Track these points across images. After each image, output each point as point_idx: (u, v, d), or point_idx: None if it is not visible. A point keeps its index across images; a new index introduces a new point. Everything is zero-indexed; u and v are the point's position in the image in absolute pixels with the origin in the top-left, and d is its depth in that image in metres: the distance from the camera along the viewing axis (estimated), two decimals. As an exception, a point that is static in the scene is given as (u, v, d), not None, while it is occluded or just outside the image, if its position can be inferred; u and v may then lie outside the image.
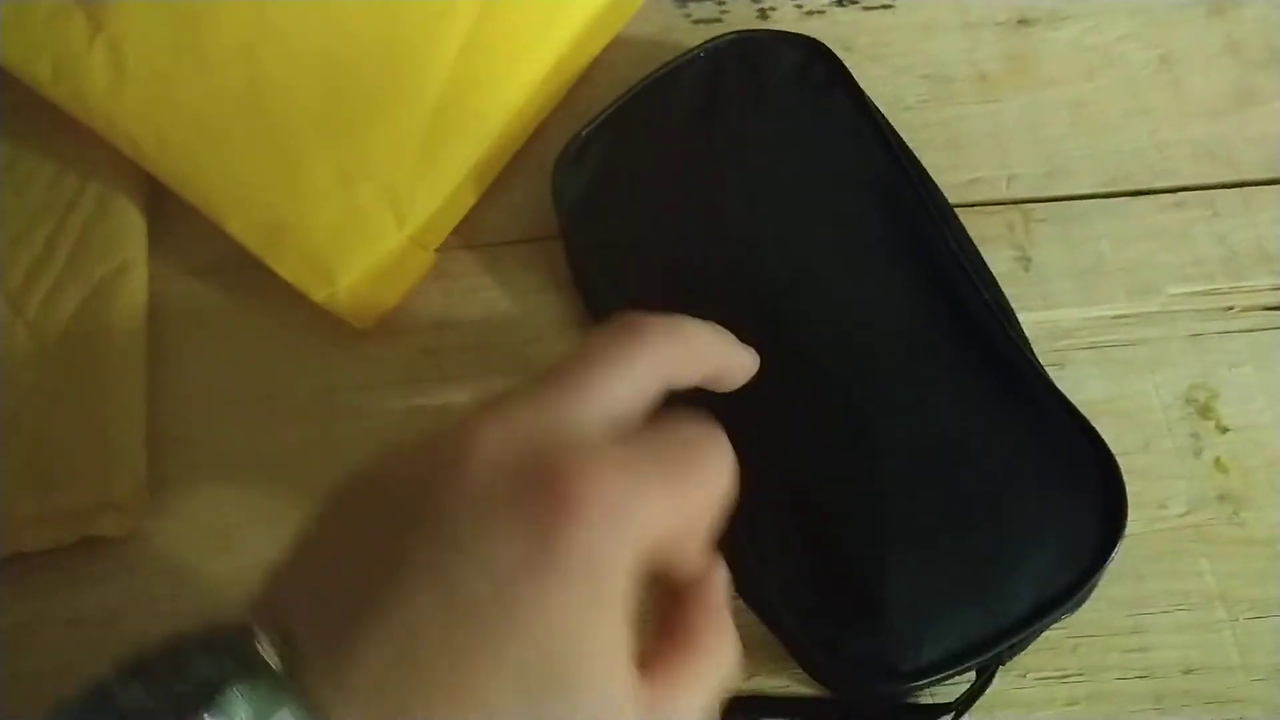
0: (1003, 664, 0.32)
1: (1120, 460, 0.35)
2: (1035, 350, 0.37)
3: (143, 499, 0.35)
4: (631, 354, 0.24)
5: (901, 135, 0.38)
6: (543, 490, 0.21)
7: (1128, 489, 0.34)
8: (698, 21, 0.42)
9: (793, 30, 0.39)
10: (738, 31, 0.39)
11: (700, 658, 0.24)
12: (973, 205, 0.39)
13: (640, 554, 0.22)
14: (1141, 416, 0.36)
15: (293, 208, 0.36)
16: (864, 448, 0.33)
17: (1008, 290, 0.37)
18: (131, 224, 0.37)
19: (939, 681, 0.31)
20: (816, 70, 0.39)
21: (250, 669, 0.20)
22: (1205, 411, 0.36)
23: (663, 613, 0.24)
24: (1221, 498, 0.35)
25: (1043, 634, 0.32)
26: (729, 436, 0.24)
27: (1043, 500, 0.32)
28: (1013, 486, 0.32)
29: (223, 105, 0.36)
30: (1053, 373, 0.36)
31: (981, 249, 0.38)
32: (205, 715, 0.19)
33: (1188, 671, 0.33)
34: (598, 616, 0.21)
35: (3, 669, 0.33)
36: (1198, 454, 0.36)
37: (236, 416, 0.37)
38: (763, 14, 0.42)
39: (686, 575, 0.25)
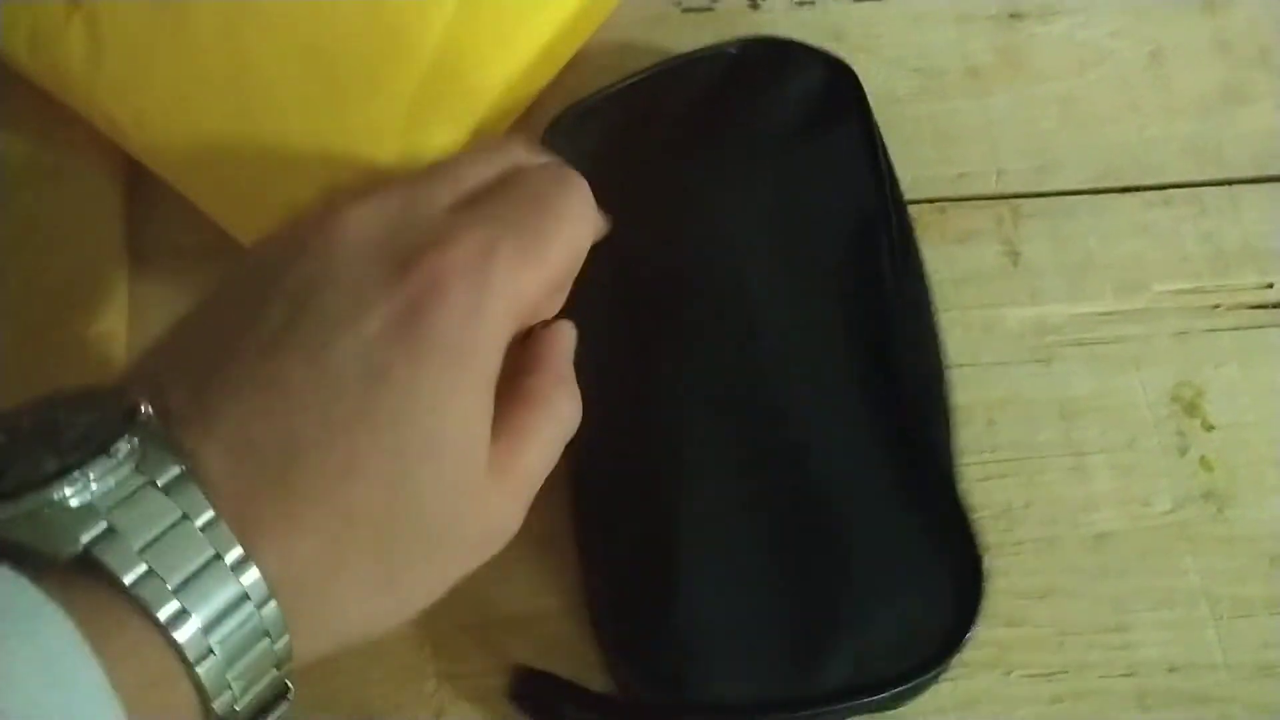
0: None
1: (1105, 457, 0.35)
2: (1023, 346, 0.37)
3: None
4: (488, 147, 0.26)
5: (888, 130, 0.38)
6: (408, 270, 0.22)
7: (1112, 486, 0.34)
8: (688, 10, 0.41)
9: (784, 21, 0.39)
10: (769, 36, 0.37)
11: (542, 415, 0.25)
12: (962, 199, 0.39)
13: (508, 327, 0.23)
14: (1127, 413, 0.36)
15: (274, 189, 0.35)
16: (738, 475, 0.32)
17: (996, 287, 0.37)
18: (111, 205, 0.36)
19: None
20: (837, 93, 0.37)
21: (129, 421, 0.21)
22: (1191, 409, 0.36)
23: (510, 369, 0.25)
24: (1206, 495, 0.35)
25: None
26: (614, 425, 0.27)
27: (893, 579, 0.31)
28: (868, 557, 0.31)
29: (203, 84, 0.35)
30: (1039, 369, 0.36)
31: (970, 243, 0.38)
32: (91, 461, 0.20)
33: (1171, 669, 0.33)
34: (465, 391, 0.22)
35: None
36: (1183, 452, 0.35)
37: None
38: (754, 4, 0.42)
39: (540, 324, 0.27)
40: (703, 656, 0.30)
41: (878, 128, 0.36)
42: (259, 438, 0.21)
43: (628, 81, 0.37)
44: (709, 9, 0.41)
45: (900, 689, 0.30)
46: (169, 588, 0.19)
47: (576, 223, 0.25)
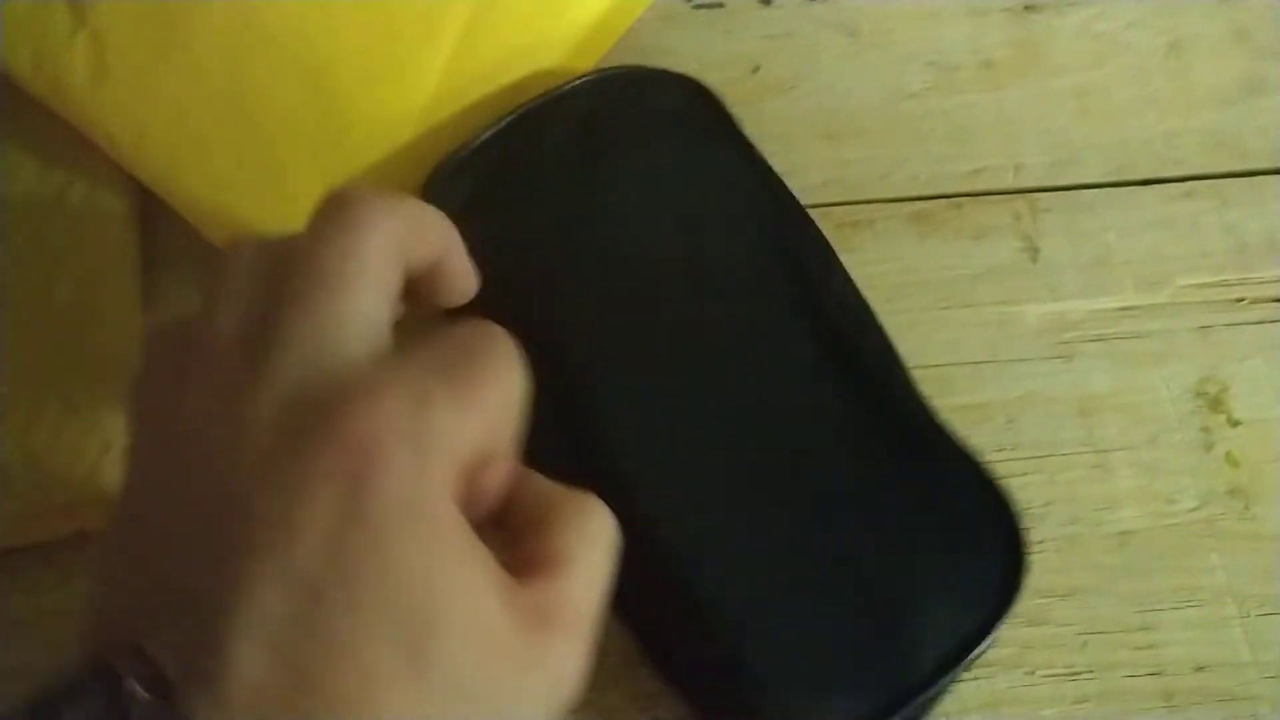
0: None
1: (1127, 454, 0.35)
2: (1042, 343, 0.36)
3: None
4: (357, 247, 0.22)
5: (902, 125, 0.38)
6: (332, 442, 0.20)
7: (1135, 484, 0.34)
8: (699, 7, 0.41)
9: (797, 16, 0.39)
10: (625, 66, 0.37)
11: (569, 530, 0.22)
12: (978, 195, 0.38)
13: (454, 475, 0.21)
14: (1150, 410, 0.35)
15: (273, 212, 0.35)
16: (736, 507, 0.31)
17: (1014, 283, 0.37)
18: (121, 222, 0.36)
19: None
20: (698, 114, 0.36)
21: (125, 710, 0.19)
22: (1215, 405, 0.36)
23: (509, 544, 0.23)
24: (1232, 492, 0.34)
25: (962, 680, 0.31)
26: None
27: (939, 551, 0.31)
28: (903, 539, 0.31)
29: (204, 106, 0.35)
30: (1059, 365, 0.36)
31: (987, 239, 0.38)
32: None
33: (1198, 668, 0.32)
34: (440, 549, 0.20)
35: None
36: (1208, 448, 0.35)
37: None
38: (765, 0, 0.41)
39: (500, 491, 0.23)
40: (778, 682, 0.29)
41: (745, 138, 0.36)
42: (260, 678, 0.19)
43: (493, 130, 0.35)
44: (720, 5, 0.41)
45: (988, 639, 0.30)
46: None
47: (507, 371, 0.23)
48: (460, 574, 0.20)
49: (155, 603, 0.20)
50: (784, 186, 0.36)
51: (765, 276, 0.34)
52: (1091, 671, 0.32)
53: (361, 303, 0.22)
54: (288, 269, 0.22)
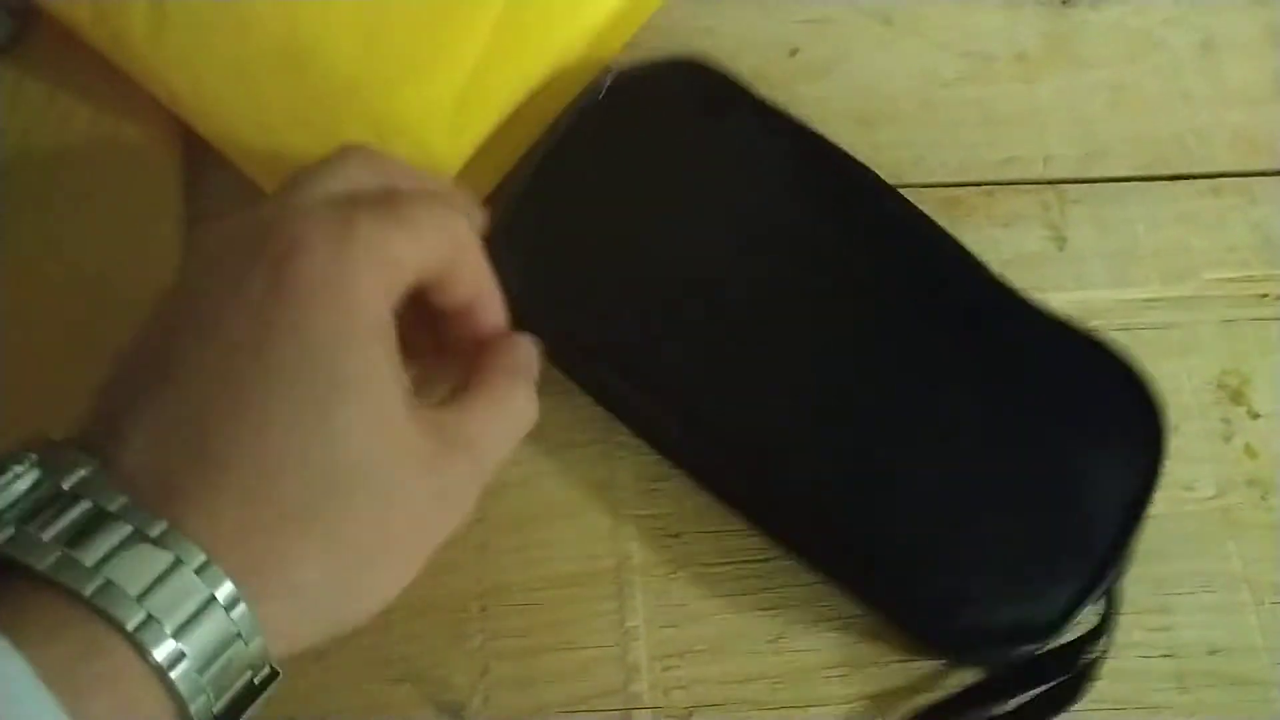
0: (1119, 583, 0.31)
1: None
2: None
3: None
4: (341, 157, 0.26)
5: (936, 112, 0.38)
6: (268, 238, 0.23)
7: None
8: (737, -9, 0.42)
9: (833, 3, 0.39)
10: (613, 73, 0.36)
11: (489, 400, 0.26)
12: (1008, 184, 0.39)
13: (379, 277, 0.23)
14: (1172, 399, 0.35)
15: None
16: (909, 444, 0.32)
17: (1041, 271, 0.37)
18: (167, 172, 0.37)
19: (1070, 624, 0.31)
20: (704, 88, 0.36)
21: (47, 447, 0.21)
22: (1236, 397, 0.36)
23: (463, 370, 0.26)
24: (1250, 482, 0.35)
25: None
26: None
27: (1085, 430, 0.32)
28: (1053, 427, 0.32)
29: (260, 57, 0.36)
30: (1083, 354, 0.36)
31: (1015, 228, 0.38)
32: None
33: (1211, 652, 0.33)
34: (354, 330, 0.22)
35: None
36: (1228, 439, 0.35)
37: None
38: (802, -14, 0.42)
39: (460, 301, 0.27)
40: (1030, 589, 0.31)
41: (758, 97, 0.36)
42: (168, 423, 0.21)
43: (538, 158, 0.35)
44: (757, -11, 0.42)
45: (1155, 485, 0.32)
46: (132, 595, 0.19)
47: (439, 210, 0.25)
48: (366, 351, 0.23)
49: (109, 389, 0.23)
50: (805, 126, 0.36)
51: (847, 231, 0.35)
52: (1105, 651, 0.33)
53: (327, 182, 0.25)
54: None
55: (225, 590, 0.20)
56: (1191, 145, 0.40)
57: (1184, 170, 0.39)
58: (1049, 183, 0.39)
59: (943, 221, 0.38)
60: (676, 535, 0.34)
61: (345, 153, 0.26)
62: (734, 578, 0.33)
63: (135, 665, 0.19)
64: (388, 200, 0.24)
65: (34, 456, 0.21)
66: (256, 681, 0.21)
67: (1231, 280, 0.38)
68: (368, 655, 0.32)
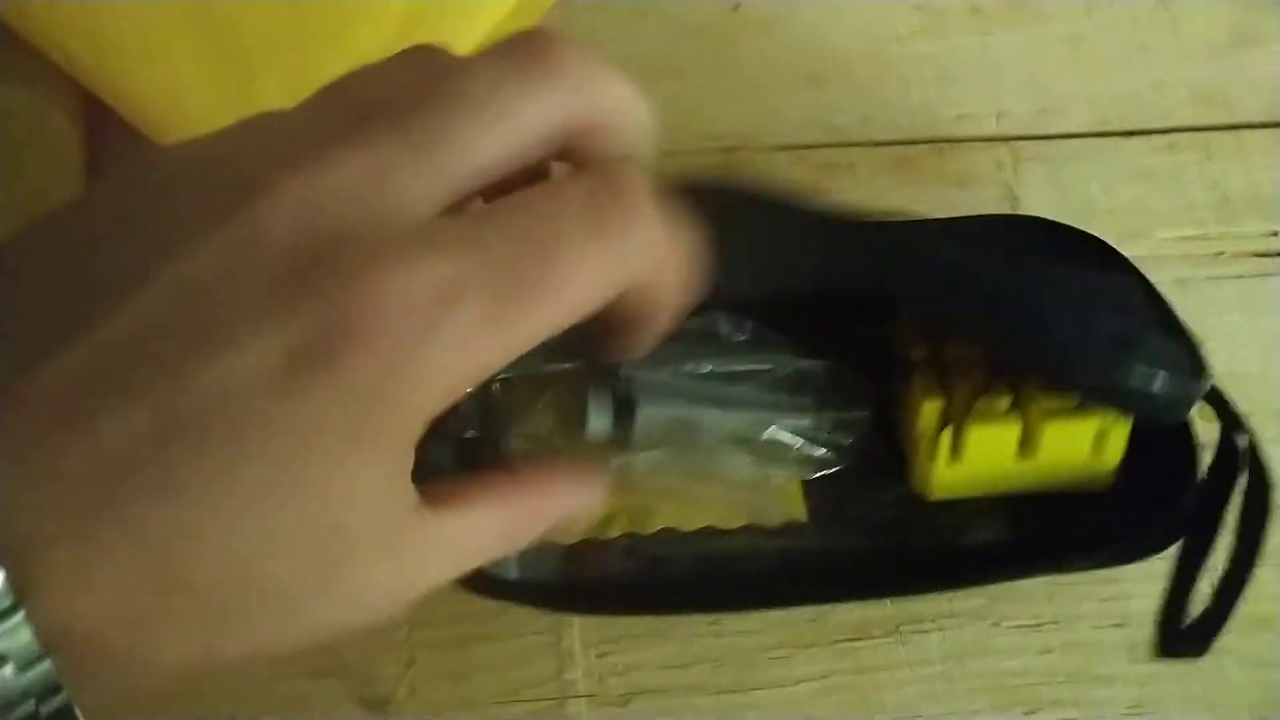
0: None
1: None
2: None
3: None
4: (526, 101, 0.18)
5: (887, 68, 0.36)
6: (329, 288, 0.16)
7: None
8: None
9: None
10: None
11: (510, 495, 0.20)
12: (961, 141, 0.38)
13: (436, 407, 0.17)
14: (1126, 363, 0.35)
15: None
16: None
17: (993, 231, 0.36)
18: (67, 141, 0.35)
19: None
20: None
21: None
22: (1191, 359, 0.35)
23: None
24: (1206, 447, 0.34)
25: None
26: None
27: None
28: None
29: (166, 15, 0.34)
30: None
31: (969, 187, 0.37)
32: None
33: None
34: (374, 472, 0.17)
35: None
36: (1182, 403, 0.35)
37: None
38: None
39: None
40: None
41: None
42: (73, 460, 0.16)
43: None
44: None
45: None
46: None
47: (595, 270, 0.17)
48: (369, 510, 0.17)
49: (15, 321, 0.17)
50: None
51: None
52: (1057, 622, 0.32)
53: (475, 156, 0.18)
54: (430, 90, 0.18)
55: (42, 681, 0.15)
56: (1148, 100, 0.39)
57: (1140, 126, 0.38)
58: (1003, 139, 0.38)
59: (892, 182, 0.37)
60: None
61: (535, 87, 0.18)
62: (676, 555, 0.32)
63: None
64: (516, 279, 0.17)
65: None
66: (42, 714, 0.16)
67: (1187, 239, 0.37)
68: (291, 646, 0.30)
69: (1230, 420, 0.30)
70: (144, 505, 0.16)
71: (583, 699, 0.30)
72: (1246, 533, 0.30)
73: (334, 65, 0.34)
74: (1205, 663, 0.32)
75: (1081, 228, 0.33)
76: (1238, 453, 0.30)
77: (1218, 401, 0.30)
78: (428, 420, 0.17)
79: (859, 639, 0.31)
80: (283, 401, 0.16)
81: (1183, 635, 0.30)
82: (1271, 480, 0.30)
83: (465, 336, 0.16)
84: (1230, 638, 0.32)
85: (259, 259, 0.16)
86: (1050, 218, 0.33)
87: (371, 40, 0.35)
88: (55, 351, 0.16)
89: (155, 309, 0.16)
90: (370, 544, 0.17)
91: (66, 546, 0.16)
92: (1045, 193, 0.37)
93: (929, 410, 0.30)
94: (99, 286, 0.17)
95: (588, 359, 0.26)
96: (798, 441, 0.30)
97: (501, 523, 0.20)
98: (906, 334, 0.31)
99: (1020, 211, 0.37)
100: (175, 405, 0.16)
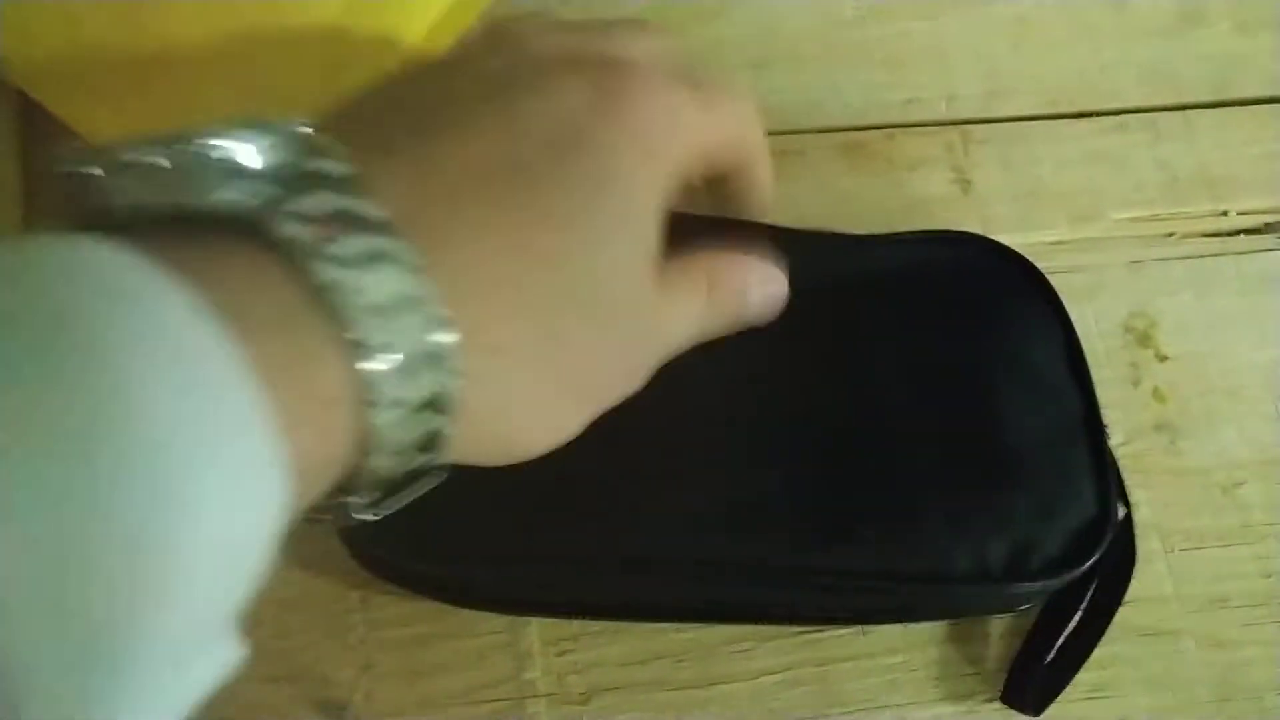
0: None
1: (1057, 391, 0.34)
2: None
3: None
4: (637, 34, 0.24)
5: (835, 53, 0.36)
6: (609, 65, 0.22)
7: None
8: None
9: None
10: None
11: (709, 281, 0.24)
12: (911, 125, 0.37)
13: (681, 165, 0.22)
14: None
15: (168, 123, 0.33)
16: None
17: (946, 215, 0.36)
18: (6, 144, 0.34)
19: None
20: None
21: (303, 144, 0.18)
22: (1144, 340, 0.35)
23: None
24: (1159, 427, 0.34)
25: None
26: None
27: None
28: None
29: (100, 18, 0.32)
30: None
31: (920, 171, 0.37)
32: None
33: (1122, 603, 0.32)
34: (653, 183, 0.21)
35: None
36: (1136, 383, 0.35)
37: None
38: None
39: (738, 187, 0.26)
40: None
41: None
42: (438, 169, 0.20)
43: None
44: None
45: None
46: (367, 310, 0.17)
47: (749, 111, 0.25)
48: (652, 205, 0.22)
49: (367, 113, 0.21)
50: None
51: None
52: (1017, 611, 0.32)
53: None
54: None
55: (451, 343, 0.18)
56: (1096, 81, 0.39)
57: (1089, 107, 0.38)
58: (953, 123, 0.38)
59: (843, 167, 0.37)
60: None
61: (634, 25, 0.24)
62: (634, 551, 0.31)
63: (345, 388, 0.17)
64: (710, 91, 0.23)
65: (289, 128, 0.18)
66: (432, 466, 0.19)
67: (1138, 220, 0.37)
68: (240, 654, 0.29)
69: (1117, 490, 0.30)
70: (509, 192, 0.20)
71: (542, 698, 0.30)
72: (1100, 604, 0.30)
73: (280, 71, 0.33)
74: (1165, 644, 0.32)
75: (1020, 247, 0.33)
76: (1115, 522, 0.29)
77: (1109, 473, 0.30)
78: (678, 171, 0.22)
79: (820, 630, 0.31)
80: (595, 118, 0.21)
81: (1024, 692, 0.30)
82: (1134, 556, 0.30)
83: (695, 107, 0.23)
84: (1189, 618, 0.32)
85: (565, 57, 0.22)
86: (993, 238, 0.33)
87: (304, 48, 0.34)
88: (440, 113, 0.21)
89: (496, 70, 0.22)
90: (649, 249, 0.22)
91: (450, 226, 0.19)
92: (996, 175, 0.37)
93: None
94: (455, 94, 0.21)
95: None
96: None
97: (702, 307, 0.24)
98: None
99: (971, 195, 0.36)
100: (514, 118, 0.21)
